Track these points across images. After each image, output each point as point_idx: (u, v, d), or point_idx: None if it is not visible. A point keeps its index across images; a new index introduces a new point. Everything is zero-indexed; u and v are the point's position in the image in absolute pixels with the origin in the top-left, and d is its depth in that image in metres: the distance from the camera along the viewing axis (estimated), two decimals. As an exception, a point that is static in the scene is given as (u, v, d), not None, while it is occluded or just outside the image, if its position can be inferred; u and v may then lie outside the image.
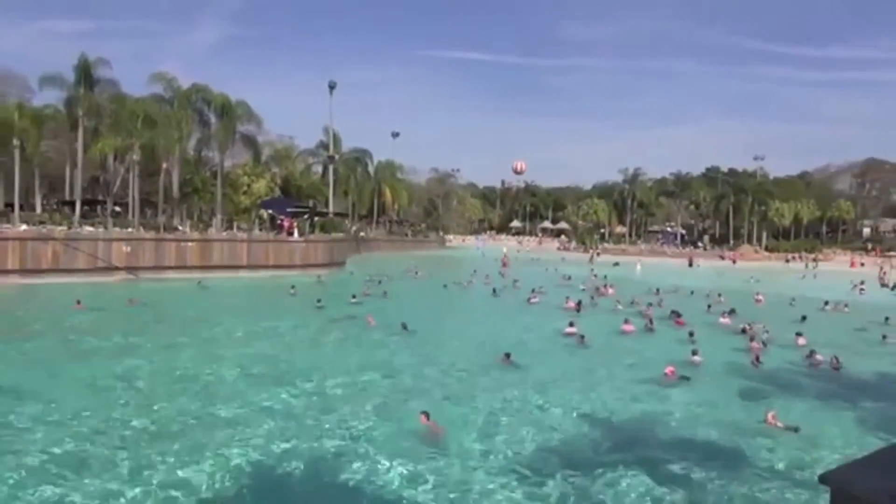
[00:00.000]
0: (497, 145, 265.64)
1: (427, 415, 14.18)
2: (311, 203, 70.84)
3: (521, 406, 16.59)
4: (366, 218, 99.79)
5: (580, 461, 12.75)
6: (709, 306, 37.04)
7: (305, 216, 61.97)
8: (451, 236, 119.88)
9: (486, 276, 52.38)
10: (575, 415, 15.92)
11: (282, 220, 58.77)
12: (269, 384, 17.91)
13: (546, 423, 15.19)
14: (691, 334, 25.97)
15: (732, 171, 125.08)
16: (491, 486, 11.54)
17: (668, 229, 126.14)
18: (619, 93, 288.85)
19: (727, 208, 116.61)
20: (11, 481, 11.04)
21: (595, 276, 56.95)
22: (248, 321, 28.58)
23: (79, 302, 30.41)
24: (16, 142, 49.98)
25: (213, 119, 61.46)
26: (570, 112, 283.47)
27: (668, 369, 19.08)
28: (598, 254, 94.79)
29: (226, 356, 21.47)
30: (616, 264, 73.00)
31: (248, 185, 65.92)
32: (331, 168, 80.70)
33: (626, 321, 29.22)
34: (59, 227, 46.08)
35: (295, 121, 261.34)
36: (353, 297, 35.69)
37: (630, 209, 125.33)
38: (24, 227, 44.54)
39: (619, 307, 35.50)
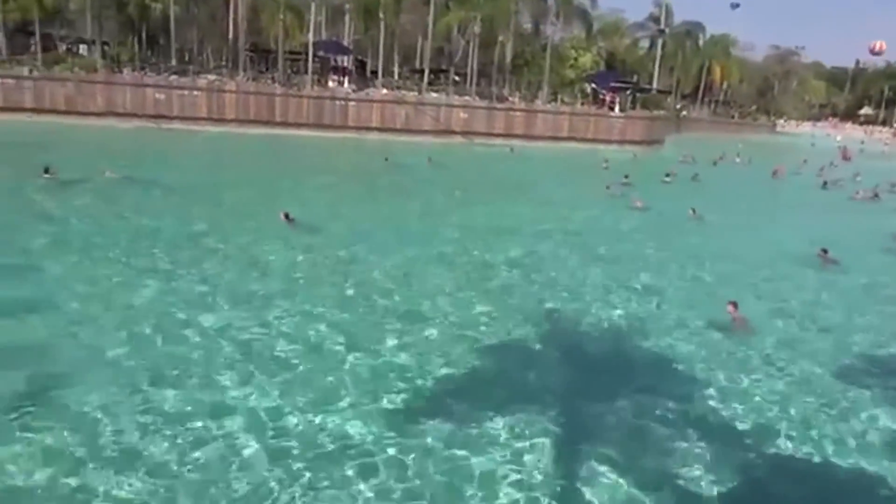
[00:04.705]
0: (852, 21, 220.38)
1: (735, 305, 13.05)
2: (634, 78, 67.77)
3: (828, 310, 14.68)
4: (689, 96, 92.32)
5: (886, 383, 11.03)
6: None
7: (627, 91, 59.71)
8: (783, 121, 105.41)
9: (819, 168, 45.64)
10: (889, 331, 13.53)
11: (603, 95, 57.46)
12: (556, 251, 18.50)
13: (850, 336, 13.13)
14: None
15: None
16: (788, 393, 10.44)
17: None
18: None
19: None
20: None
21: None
22: (545, 187, 29.69)
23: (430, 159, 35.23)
24: (381, 15, 55.25)
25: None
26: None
27: None
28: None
29: (509, 215, 22.80)
30: None
31: (575, 59, 65.17)
32: (659, 42, 75.25)
33: None
34: (411, 93, 51.19)
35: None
36: (667, 175, 34.40)
37: None
38: (384, 91, 50.33)
39: None
